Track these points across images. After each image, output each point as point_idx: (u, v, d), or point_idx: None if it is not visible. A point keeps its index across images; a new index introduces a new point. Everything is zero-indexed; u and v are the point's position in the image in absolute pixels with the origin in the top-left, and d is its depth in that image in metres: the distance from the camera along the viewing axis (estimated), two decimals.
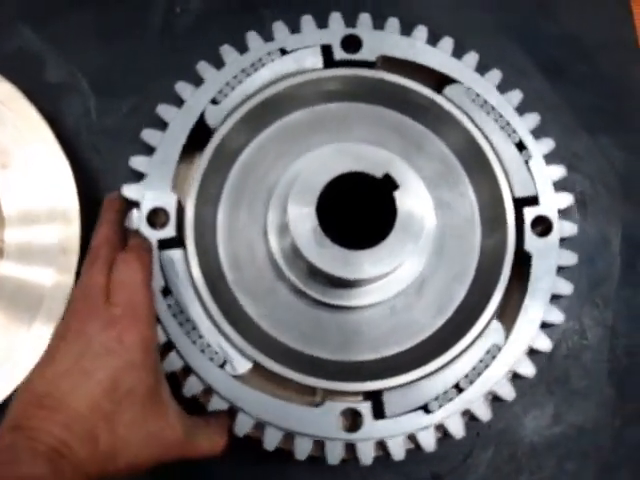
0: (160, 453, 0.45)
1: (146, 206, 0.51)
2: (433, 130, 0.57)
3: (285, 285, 0.55)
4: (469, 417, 0.51)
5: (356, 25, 0.56)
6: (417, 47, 0.55)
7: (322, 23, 0.56)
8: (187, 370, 0.49)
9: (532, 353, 0.52)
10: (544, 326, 0.52)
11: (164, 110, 0.53)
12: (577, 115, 0.69)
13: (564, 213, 0.54)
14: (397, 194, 0.52)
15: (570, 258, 0.53)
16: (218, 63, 0.54)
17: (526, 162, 0.53)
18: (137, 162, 0.52)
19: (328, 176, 0.52)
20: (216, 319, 0.50)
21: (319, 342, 0.54)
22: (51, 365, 0.43)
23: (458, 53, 0.55)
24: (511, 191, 0.53)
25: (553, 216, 0.52)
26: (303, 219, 0.51)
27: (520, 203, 0.53)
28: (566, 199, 0.53)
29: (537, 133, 0.55)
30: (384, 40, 0.55)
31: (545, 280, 0.52)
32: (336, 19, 0.56)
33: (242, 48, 0.55)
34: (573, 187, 0.67)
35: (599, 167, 0.69)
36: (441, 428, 0.50)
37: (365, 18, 0.56)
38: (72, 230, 0.62)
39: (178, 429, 0.46)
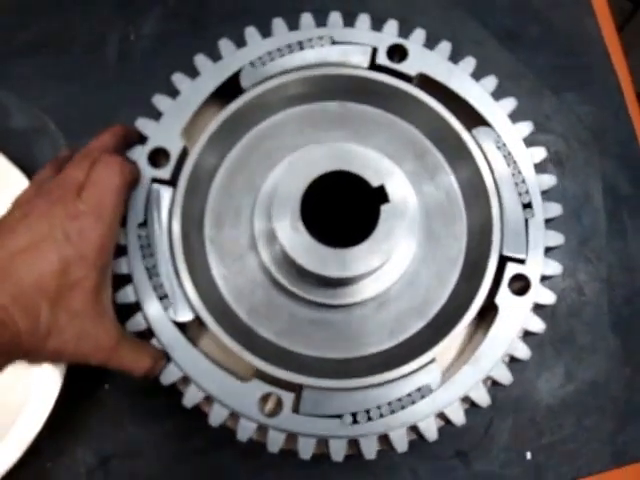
0: (88, 351, 0.46)
1: (151, 143, 0.52)
2: (397, 114, 0.58)
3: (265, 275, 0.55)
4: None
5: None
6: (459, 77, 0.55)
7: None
8: (137, 307, 0.50)
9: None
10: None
11: (159, 100, 0.54)
12: (540, 77, 0.70)
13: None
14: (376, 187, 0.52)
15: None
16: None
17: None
18: (158, 100, 0.53)
19: (307, 180, 0.52)
20: (178, 264, 0.50)
21: (289, 335, 0.54)
22: (10, 238, 0.45)
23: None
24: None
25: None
26: (289, 226, 0.51)
27: None
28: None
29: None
30: (429, 59, 0.55)
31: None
32: (392, 25, 0.56)
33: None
34: (547, 148, 0.68)
35: (570, 124, 0.70)
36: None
37: (418, 34, 0.56)
38: None
39: (112, 334, 0.47)
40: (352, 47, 0.56)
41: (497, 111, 0.55)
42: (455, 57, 0.56)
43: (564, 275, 0.66)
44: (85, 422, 0.63)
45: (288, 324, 0.54)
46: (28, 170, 0.64)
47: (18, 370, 0.59)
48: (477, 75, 0.55)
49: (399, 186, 0.52)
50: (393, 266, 0.55)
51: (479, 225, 0.55)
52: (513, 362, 0.52)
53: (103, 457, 0.62)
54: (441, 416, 0.50)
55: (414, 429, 0.50)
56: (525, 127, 0.55)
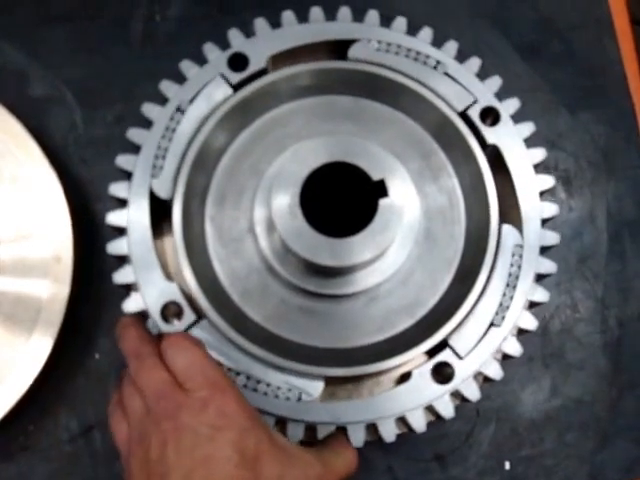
0: None
1: (154, 307, 0.50)
2: (406, 113, 0.58)
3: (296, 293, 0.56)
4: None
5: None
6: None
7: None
8: (280, 421, 0.50)
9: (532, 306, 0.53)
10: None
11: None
12: (556, 94, 0.71)
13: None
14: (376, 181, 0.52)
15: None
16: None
17: None
18: (121, 276, 0.52)
19: (310, 167, 0.52)
20: (273, 361, 0.50)
21: (347, 334, 0.55)
22: (172, 472, 0.42)
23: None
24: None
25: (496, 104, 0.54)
26: (287, 210, 0.51)
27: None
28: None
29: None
30: (264, 42, 0.55)
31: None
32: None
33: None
34: (557, 165, 0.68)
35: (581, 144, 0.70)
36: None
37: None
38: (65, 240, 0.63)
39: (314, 463, 0.46)
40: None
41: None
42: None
43: (560, 291, 0.67)
44: (72, 389, 0.64)
45: (278, 309, 0.55)
46: (42, 139, 0.65)
47: (10, 328, 0.61)
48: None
49: (401, 183, 0.52)
50: (387, 262, 0.55)
51: (477, 230, 0.55)
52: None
53: (86, 425, 0.63)
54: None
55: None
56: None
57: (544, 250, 0.53)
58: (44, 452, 0.63)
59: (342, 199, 0.57)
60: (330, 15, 0.56)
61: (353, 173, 0.53)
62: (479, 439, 0.64)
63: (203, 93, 0.54)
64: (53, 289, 0.62)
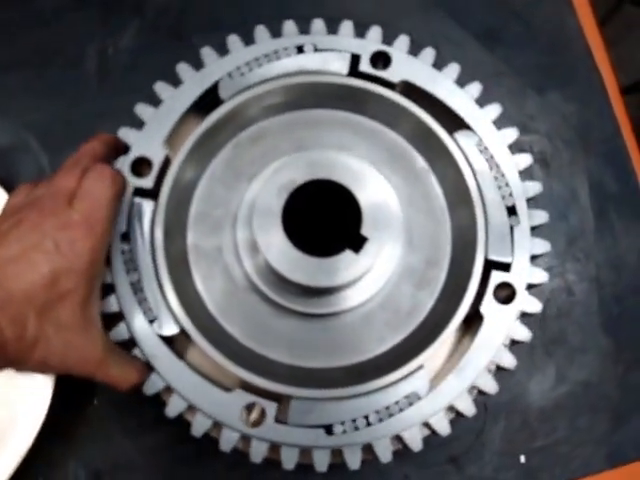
0: (74, 363, 0.46)
1: (134, 153, 0.52)
2: (384, 123, 0.57)
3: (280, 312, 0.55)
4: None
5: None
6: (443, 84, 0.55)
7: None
8: (120, 316, 0.49)
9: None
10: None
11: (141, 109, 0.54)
12: (522, 77, 0.70)
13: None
14: (360, 197, 0.51)
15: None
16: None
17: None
18: (141, 109, 0.53)
19: (289, 188, 0.51)
20: (161, 278, 0.50)
21: (273, 344, 0.54)
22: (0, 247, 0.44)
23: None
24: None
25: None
26: (273, 238, 0.51)
27: None
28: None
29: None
30: (413, 66, 0.55)
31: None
32: (375, 31, 0.56)
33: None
34: (531, 148, 0.68)
35: (554, 123, 0.69)
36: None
37: (402, 40, 0.56)
38: None
39: (99, 347, 0.46)
40: (331, 54, 0.55)
41: (481, 118, 0.54)
42: (437, 60, 0.56)
43: (553, 276, 0.66)
44: (75, 437, 0.63)
45: (273, 334, 0.54)
46: (10, 188, 0.64)
47: (7, 385, 0.60)
48: (460, 78, 0.55)
49: (381, 193, 0.52)
50: (377, 274, 0.54)
51: (463, 229, 0.54)
52: (500, 371, 0.52)
53: (95, 471, 0.62)
54: (427, 426, 0.50)
55: (399, 439, 0.50)
56: (510, 133, 0.54)
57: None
58: None
59: (324, 216, 0.56)
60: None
61: (333, 189, 0.52)
62: (491, 436, 0.63)
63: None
64: None
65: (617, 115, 0.70)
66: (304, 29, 0.56)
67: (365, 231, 0.51)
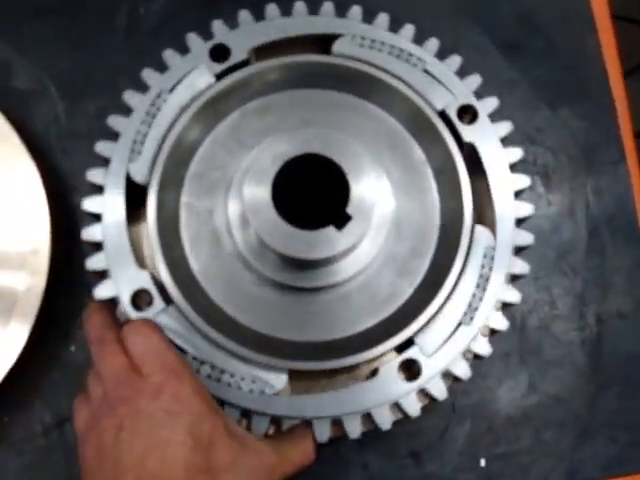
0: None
1: (125, 294, 0.50)
2: (381, 106, 0.58)
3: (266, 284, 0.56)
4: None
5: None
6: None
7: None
8: (246, 414, 0.49)
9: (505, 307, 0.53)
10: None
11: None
12: (536, 89, 0.70)
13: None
14: (351, 174, 0.52)
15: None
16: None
17: None
18: (93, 262, 0.52)
19: (281, 160, 0.52)
20: (237, 352, 0.50)
21: (315, 328, 0.55)
22: (125, 455, 0.42)
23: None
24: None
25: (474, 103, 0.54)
26: (259, 203, 0.52)
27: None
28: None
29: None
30: (247, 34, 0.56)
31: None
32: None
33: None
34: (535, 160, 0.68)
35: (560, 139, 0.69)
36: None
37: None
38: (42, 232, 0.63)
39: (269, 453, 0.46)
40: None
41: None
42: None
43: (538, 287, 0.66)
44: (47, 382, 0.64)
45: (251, 302, 0.55)
46: (24, 131, 0.66)
47: None
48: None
49: (374, 175, 0.53)
50: (359, 255, 0.55)
51: (451, 226, 0.55)
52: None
53: (61, 418, 0.63)
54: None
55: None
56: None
57: (519, 250, 0.53)
58: (17, 445, 0.63)
59: (314, 190, 0.57)
60: (313, 10, 0.57)
61: (326, 165, 0.53)
62: (455, 435, 0.63)
63: (184, 82, 0.55)
64: (29, 281, 0.62)
65: (624, 140, 0.70)
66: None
67: (351, 211, 0.52)
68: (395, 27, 0.57)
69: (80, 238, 0.52)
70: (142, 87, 0.55)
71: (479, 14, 0.73)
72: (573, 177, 0.69)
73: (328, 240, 0.51)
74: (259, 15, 0.57)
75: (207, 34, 0.56)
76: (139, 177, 0.53)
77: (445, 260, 0.54)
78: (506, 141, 0.54)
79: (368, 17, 0.57)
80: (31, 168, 0.64)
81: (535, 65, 0.71)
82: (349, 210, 0.52)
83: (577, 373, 0.65)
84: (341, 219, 0.52)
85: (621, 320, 0.66)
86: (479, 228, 0.52)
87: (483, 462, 0.63)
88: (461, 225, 0.53)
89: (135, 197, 0.53)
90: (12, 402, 0.63)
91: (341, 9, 0.57)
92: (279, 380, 0.49)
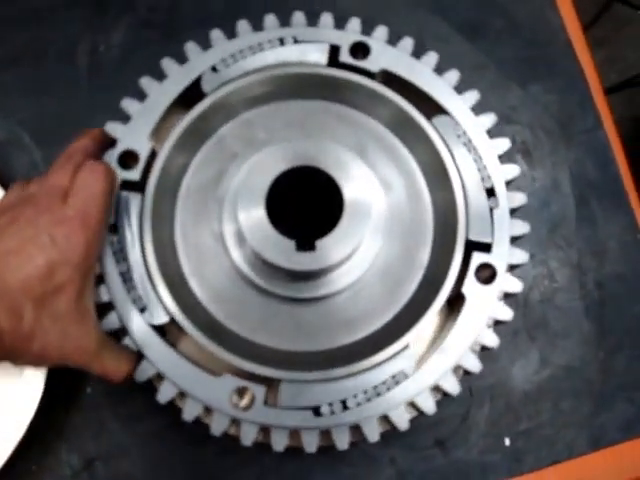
0: (70, 354, 0.47)
1: (121, 146, 0.53)
2: (363, 110, 0.59)
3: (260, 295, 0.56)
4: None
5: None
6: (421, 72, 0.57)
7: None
8: (110, 306, 0.51)
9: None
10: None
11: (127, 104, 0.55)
12: (504, 69, 0.71)
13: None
14: (342, 182, 0.53)
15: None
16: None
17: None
18: (127, 103, 0.55)
19: (272, 175, 0.53)
20: (150, 269, 0.51)
21: (308, 338, 0.55)
22: None
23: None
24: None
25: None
26: (256, 223, 0.52)
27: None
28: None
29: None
30: (392, 55, 0.56)
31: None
32: (355, 23, 0.57)
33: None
34: (514, 138, 0.69)
35: (535, 114, 0.70)
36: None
37: (381, 31, 0.57)
38: None
39: (93, 338, 0.48)
40: (310, 46, 0.57)
41: (459, 104, 0.56)
42: (419, 53, 0.57)
43: (535, 262, 0.67)
44: (69, 425, 0.64)
45: (260, 319, 0.55)
46: (5, 182, 0.66)
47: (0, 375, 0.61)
48: (441, 70, 0.56)
49: (364, 180, 0.53)
50: (361, 257, 0.55)
51: (444, 210, 0.56)
52: (484, 351, 0.53)
53: (88, 459, 0.63)
54: (413, 406, 0.51)
55: (386, 419, 0.51)
56: (488, 119, 0.55)
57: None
58: None
59: (308, 202, 0.57)
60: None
61: (315, 175, 0.54)
62: (476, 419, 0.64)
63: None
64: None
65: (598, 106, 0.71)
66: (286, 23, 0.57)
67: (347, 218, 0.52)
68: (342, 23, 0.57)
69: None
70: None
71: (437, 1, 0.74)
72: (553, 151, 0.70)
73: (331, 248, 0.52)
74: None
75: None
76: None
77: (444, 248, 0.54)
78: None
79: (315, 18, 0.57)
80: None
81: (499, 45, 0.72)
82: (345, 218, 0.52)
83: (585, 341, 0.66)
84: (328, 225, 0.52)
85: (621, 283, 0.67)
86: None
87: (507, 441, 0.64)
88: (455, 210, 0.53)
89: None
90: (38, 451, 0.63)
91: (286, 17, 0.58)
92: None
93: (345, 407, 0.50)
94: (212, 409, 0.50)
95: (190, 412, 0.50)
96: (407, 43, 0.57)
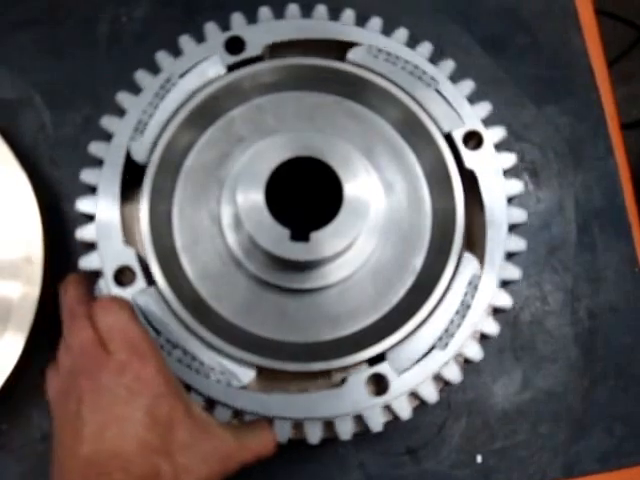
0: (220, 468, 0.45)
1: (108, 269, 0.51)
2: (374, 110, 0.59)
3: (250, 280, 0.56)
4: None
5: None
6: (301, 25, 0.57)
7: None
8: (210, 403, 0.50)
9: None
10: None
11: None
12: (521, 86, 0.71)
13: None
14: (344, 178, 0.53)
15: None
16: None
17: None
18: (83, 233, 0.53)
19: (274, 163, 0.53)
20: (210, 341, 0.50)
21: (292, 329, 0.55)
22: (83, 427, 0.43)
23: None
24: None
25: (480, 129, 0.54)
26: (253, 207, 0.52)
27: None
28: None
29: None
30: (265, 30, 0.56)
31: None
32: (213, 29, 0.57)
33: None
34: (523, 156, 0.69)
35: (547, 135, 0.70)
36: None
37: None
38: (35, 241, 0.63)
39: (228, 439, 0.46)
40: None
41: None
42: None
43: (529, 283, 0.66)
44: (43, 387, 0.63)
45: (245, 304, 0.55)
46: (12, 141, 0.66)
47: None
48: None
49: (365, 176, 0.53)
50: (354, 255, 0.55)
51: (443, 218, 0.56)
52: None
53: None
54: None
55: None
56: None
57: (511, 255, 0.54)
58: (16, 452, 0.63)
59: (308, 193, 0.57)
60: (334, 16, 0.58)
61: (316, 167, 0.53)
62: (451, 432, 0.64)
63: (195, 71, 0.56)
64: (24, 290, 0.62)
65: (612, 134, 0.70)
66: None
67: (344, 214, 0.52)
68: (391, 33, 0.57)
69: (73, 245, 0.52)
70: (133, 90, 0.55)
71: (460, 11, 0.73)
72: (561, 173, 0.69)
73: (325, 241, 0.52)
74: (279, 14, 0.57)
75: (197, 36, 0.57)
76: (139, 156, 0.54)
77: (439, 255, 0.54)
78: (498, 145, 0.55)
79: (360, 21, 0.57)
80: (22, 178, 0.64)
81: (519, 62, 0.72)
82: (342, 213, 0.52)
83: (571, 367, 0.65)
84: (325, 219, 0.52)
85: (613, 314, 0.67)
86: (467, 256, 0.52)
87: (480, 458, 0.63)
88: (452, 237, 0.53)
89: (131, 179, 0.54)
90: (10, 410, 0.63)
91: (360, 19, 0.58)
92: (246, 375, 0.50)
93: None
94: (363, 412, 0.50)
95: (346, 432, 0.50)
96: (425, 48, 0.57)
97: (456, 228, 0.53)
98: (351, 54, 0.56)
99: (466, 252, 0.53)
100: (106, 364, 0.44)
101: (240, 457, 0.47)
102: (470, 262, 0.52)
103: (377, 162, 0.58)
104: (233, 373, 0.50)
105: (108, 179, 0.53)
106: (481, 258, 0.52)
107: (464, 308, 0.51)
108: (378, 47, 0.56)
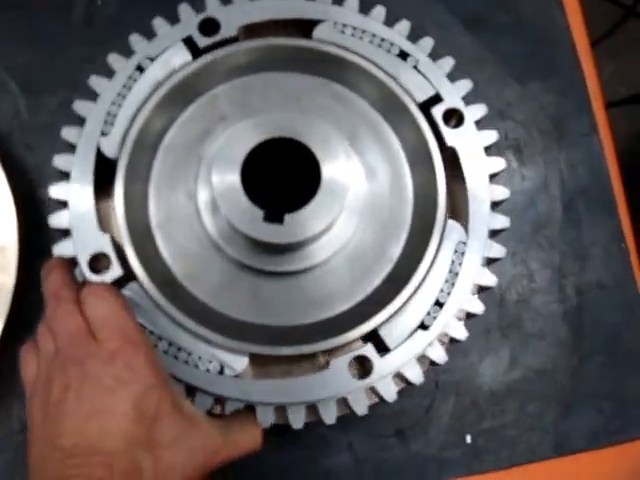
0: (207, 463, 0.44)
1: (83, 256, 0.50)
2: (355, 90, 0.58)
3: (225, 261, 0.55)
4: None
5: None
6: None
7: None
8: (190, 389, 0.49)
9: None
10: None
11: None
12: (504, 65, 0.70)
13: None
14: (322, 159, 0.52)
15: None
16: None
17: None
18: (56, 220, 0.52)
19: (250, 145, 0.52)
20: (197, 331, 0.49)
21: (275, 312, 0.54)
22: (67, 418, 0.42)
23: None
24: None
25: (460, 106, 0.54)
26: (229, 189, 0.51)
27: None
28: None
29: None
30: (240, 11, 0.56)
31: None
32: (186, 10, 0.56)
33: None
34: (506, 134, 0.68)
35: (531, 112, 0.69)
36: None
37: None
38: (9, 229, 0.61)
39: (215, 434, 0.45)
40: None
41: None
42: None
43: (515, 261, 0.66)
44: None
45: (219, 285, 0.54)
46: None
47: None
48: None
49: (344, 157, 0.52)
50: (331, 240, 0.55)
51: (423, 203, 0.55)
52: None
53: None
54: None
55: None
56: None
57: (495, 233, 0.53)
58: None
59: (285, 175, 0.56)
60: None
61: (294, 149, 0.52)
62: (439, 413, 0.63)
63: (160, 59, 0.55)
64: None
65: (596, 111, 0.70)
66: None
67: (320, 197, 0.51)
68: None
69: (48, 234, 0.51)
70: (107, 74, 0.54)
71: None
72: (545, 151, 0.69)
73: (300, 224, 0.51)
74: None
75: (172, 18, 0.56)
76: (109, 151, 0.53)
77: (415, 252, 0.53)
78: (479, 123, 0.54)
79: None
80: None
81: (501, 40, 0.71)
82: (320, 194, 0.51)
83: (559, 345, 0.65)
84: (299, 201, 0.51)
85: (600, 290, 0.66)
86: (451, 222, 0.52)
87: (469, 438, 0.63)
88: (434, 216, 0.52)
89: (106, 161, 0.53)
90: None
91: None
92: (240, 362, 0.49)
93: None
94: (348, 396, 0.49)
95: (330, 415, 0.49)
96: (403, 26, 0.56)
97: (438, 202, 0.52)
98: (317, 31, 0.56)
99: (450, 220, 0.52)
100: (95, 353, 0.43)
101: (227, 453, 0.46)
102: (454, 229, 0.51)
103: (360, 146, 0.57)
104: (225, 362, 0.49)
105: (81, 164, 0.52)
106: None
107: (449, 286, 0.51)
108: (344, 22, 0.56)
